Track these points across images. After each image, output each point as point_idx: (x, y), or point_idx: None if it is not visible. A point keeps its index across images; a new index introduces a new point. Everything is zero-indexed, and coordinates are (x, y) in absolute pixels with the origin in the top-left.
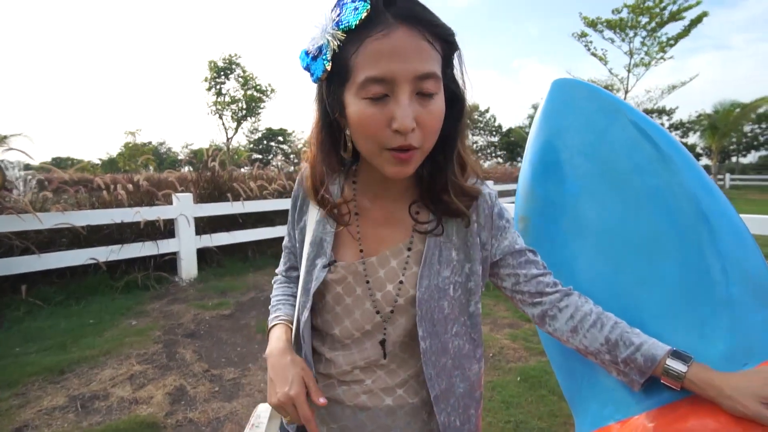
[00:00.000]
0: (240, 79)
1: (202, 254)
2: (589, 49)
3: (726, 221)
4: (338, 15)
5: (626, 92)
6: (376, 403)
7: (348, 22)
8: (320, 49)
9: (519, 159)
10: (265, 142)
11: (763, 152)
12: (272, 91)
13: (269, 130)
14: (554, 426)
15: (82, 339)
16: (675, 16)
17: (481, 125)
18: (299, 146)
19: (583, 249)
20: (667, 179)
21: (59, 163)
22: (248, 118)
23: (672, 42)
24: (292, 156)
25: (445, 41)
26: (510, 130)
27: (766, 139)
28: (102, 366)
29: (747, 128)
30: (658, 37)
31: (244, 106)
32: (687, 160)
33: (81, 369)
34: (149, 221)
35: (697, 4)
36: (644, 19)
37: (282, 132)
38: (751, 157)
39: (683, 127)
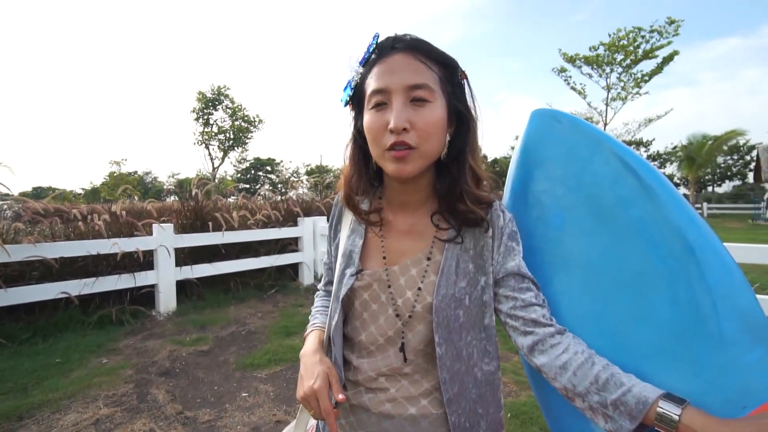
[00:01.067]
0: (228, 110)
1: (182, 286)
2: (568, 84)
3: (713, 254)
4: (361, 56)
5: (605, 125)
6: (400, 411)
7: (364, 58)
8: (348, 82)
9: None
10: (252, 171)
11: (736, 182)
12: (260, 121)
13: (257, 159)
14: None
15: (45, 380)
16: (648, 54)
17: None
18: (287, 176)
19: (568, 284)
20: (652, 212)
21: (40, 192)
22: (236, 148)
23: (646, 78)
24: (279, 186)
25: (441, 63)
26: (495, 161)
27: (738, 169)
28: (65, 410)
29: (720, 159)
30: (634, 74)
31: (232, 137)
32: (670, 192)
33: (42, 414)
34: (127, 252)
35: (669, 44)
36: (619, 56)
37: (270, 162)
38: (726, 187)
39: (660, 158)
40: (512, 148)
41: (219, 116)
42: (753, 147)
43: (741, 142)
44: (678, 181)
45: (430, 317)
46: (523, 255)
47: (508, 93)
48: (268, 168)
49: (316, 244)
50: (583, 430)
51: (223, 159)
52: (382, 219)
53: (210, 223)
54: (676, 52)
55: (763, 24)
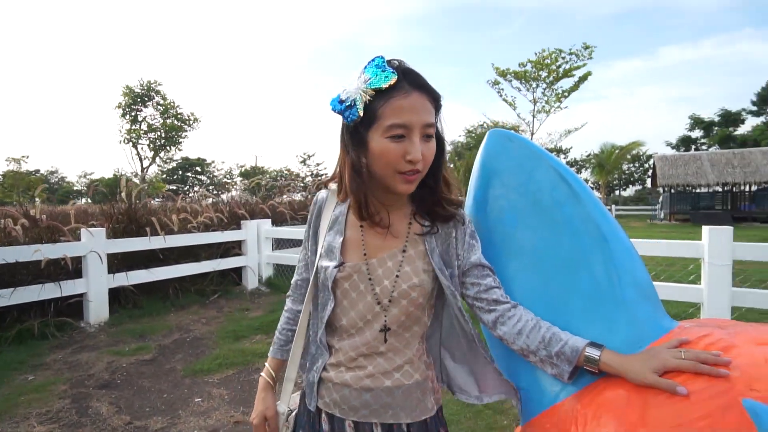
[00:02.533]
0: (159, 107)
1: (116, 295)
2: (500, 96)
3: (619, 241)
4: (369, 78)
5: (532, 134)
6: (377, 384)
7: (378, 84)
8: (354, 101)
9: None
10: (180, 172)
11: (638, 187)
12: (195, 120)
13: (185, 159)
14: None
15: None
16: (567, 73)
17: None
18: (220, 177)
19: (519, 268)
20: (579, 210)
21: None
22: (169, 148)
23: (566, 94)
24: (211, 188)
25: (437, 102)
26: None
27: (639, 175)
28: None
29: (625, 167)
30: (555, 90)
31: (164, 135)
32: (590, 195)
33: None
34: (52, 260)
35: (584, 65)
36: (544, 74)
37: (200, 162)
38: (630, 191)
39: (577, 165)
40: (449, 153)
41: (149, 113)
42: (650, 156)
43: (642, 152)
44: (592, 185)
45: (404, 302)
46: (485, 247)
47: (446, 101)
48: (198, 169)
49: (261, 247)
50: (532, 380)
51: (153, 159)
52: (380, 219)
53: (148, 228)
54: (589, 73)
55: (660, 48)
